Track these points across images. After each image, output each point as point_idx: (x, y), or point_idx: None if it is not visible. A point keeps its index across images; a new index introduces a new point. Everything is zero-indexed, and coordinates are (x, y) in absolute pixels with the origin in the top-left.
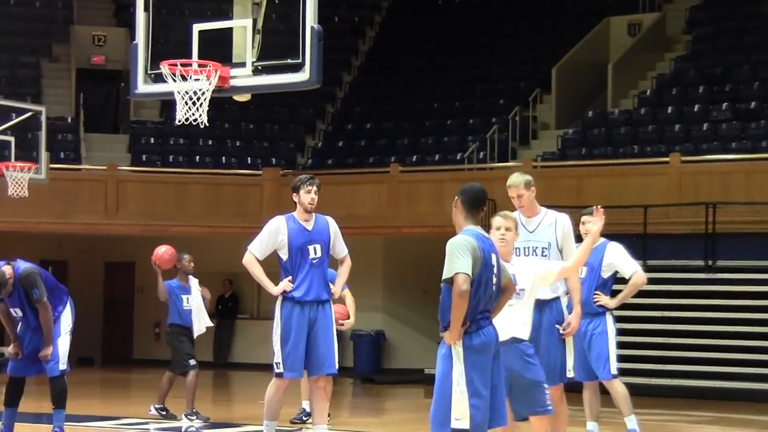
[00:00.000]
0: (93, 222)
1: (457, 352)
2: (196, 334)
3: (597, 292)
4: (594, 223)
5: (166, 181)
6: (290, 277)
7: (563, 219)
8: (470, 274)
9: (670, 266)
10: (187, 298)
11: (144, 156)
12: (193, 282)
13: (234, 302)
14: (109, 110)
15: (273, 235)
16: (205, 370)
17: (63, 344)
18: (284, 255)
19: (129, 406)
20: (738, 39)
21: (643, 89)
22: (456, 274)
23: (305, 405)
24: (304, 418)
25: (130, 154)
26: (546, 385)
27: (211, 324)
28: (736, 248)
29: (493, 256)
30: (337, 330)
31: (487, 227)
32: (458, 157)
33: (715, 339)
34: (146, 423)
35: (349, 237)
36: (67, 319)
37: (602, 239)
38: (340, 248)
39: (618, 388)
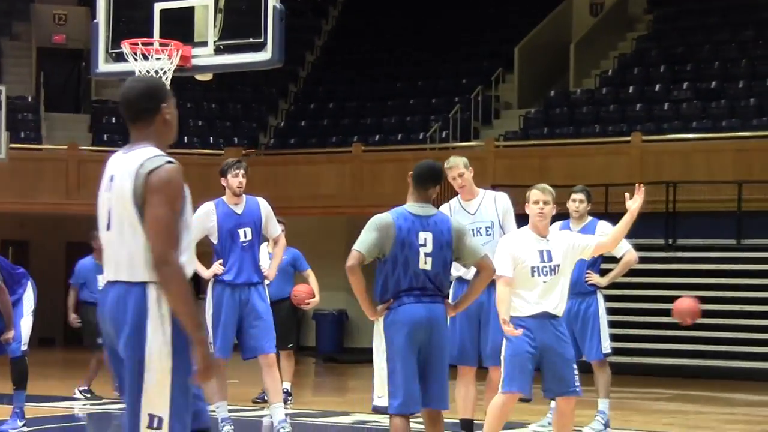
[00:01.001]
0: (54, 202)
1: (378, 329)
2: None
3: (588, 271)
4: (634, 200)
5: None
6: (221, 261)
7: (502, 197)
8: (363, 252)
9: (630, 245)
10: (102, 278)
11: (105, 135)
12: None
13: (195, 282)
14: (70, 89)
15: (202, 220)
16: None
17: (25, 325)
18: (215, 239)
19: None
20: (699, 19)
21: (605, 69)
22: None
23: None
24: (266, 398)
25: (91, 133)
26: (575, 365)
27: None
28: (697, 227)
29: (425, 236)
30: (301, 309)
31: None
32: (421, 137)
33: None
34: (107, 403)
35: (312, 216)
36: (29, 300)
37: (590, 218)
38: (273, 228)
39: (605, 370)
